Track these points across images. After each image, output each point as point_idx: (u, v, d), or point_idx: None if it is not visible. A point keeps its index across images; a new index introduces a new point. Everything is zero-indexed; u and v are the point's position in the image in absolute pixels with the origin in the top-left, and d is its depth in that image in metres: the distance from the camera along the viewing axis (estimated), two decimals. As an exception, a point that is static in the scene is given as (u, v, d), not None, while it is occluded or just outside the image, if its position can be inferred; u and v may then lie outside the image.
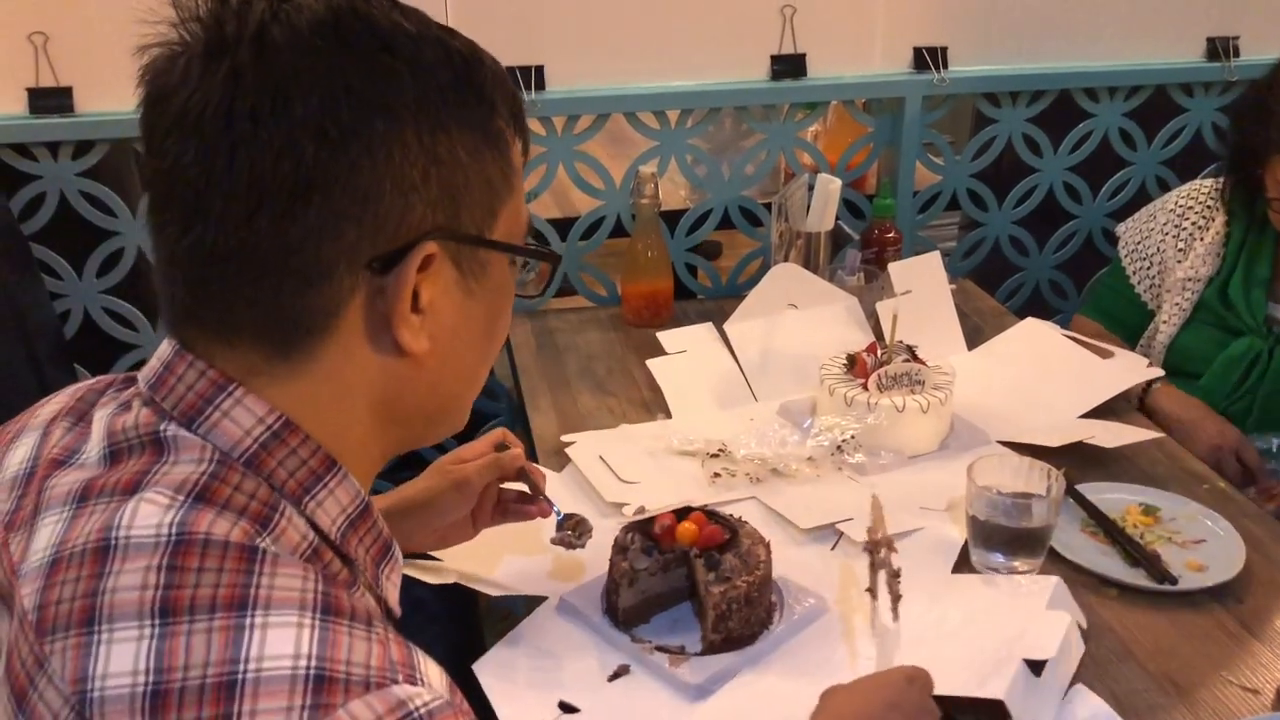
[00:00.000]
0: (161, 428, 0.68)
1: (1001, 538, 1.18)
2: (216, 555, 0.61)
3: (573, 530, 1.15)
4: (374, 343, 0.70)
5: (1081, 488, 1.33)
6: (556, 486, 1.36)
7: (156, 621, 0.59)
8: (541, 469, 1.20)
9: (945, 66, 1.94)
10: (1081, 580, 1.20)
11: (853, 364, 1.50)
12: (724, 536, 1.11)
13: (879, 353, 1.50)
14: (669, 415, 1.54)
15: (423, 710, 0.60)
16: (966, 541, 1.22)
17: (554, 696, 1.03)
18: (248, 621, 0.59)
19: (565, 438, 1.47)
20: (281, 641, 0.59)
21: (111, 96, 1.70)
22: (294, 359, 0.69)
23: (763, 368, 1.63)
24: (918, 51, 1.93)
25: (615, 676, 1.06)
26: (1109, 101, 2.05)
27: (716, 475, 1.38)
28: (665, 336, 1.67)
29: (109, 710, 0.57)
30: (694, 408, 1.56)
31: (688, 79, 1.87)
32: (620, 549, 1.12)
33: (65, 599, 0.61)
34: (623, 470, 1.39)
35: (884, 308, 1.64)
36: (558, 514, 1.16)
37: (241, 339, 0.68)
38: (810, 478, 1.39)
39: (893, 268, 1.69)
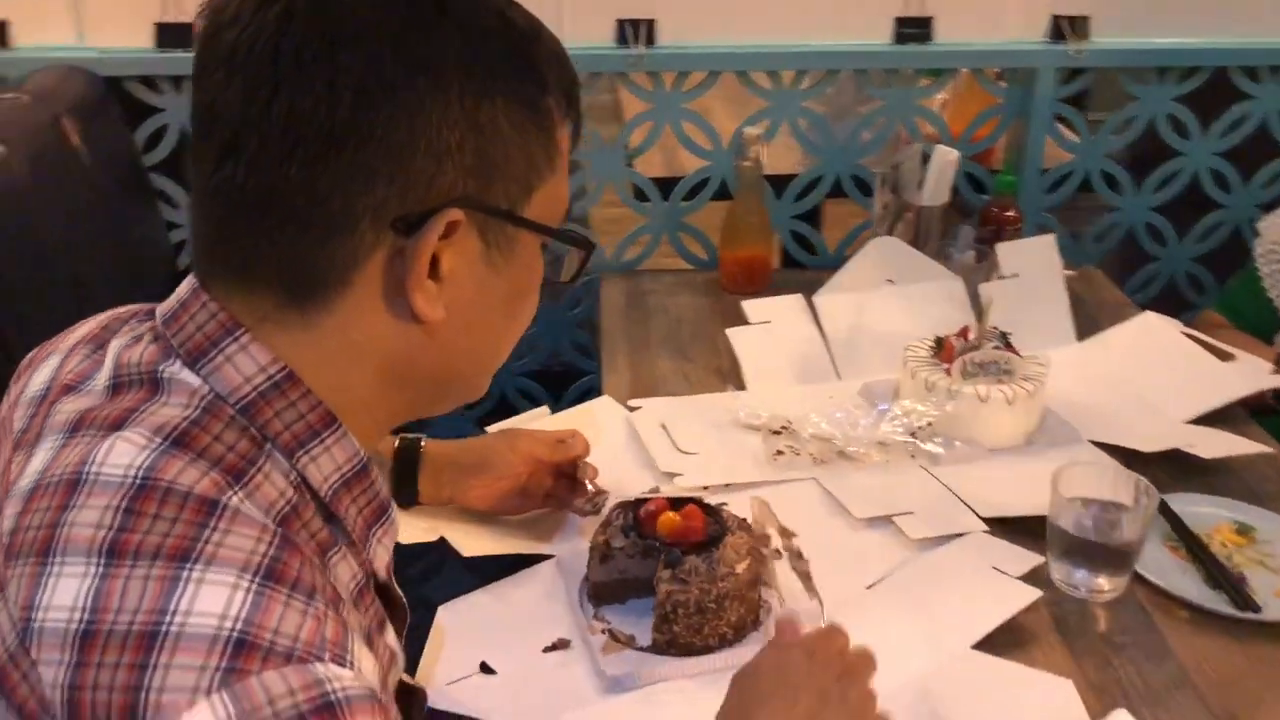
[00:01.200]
0: (161, 366, 0.68)
1: (1086, 553, 1.10)
2: (175, 504, 0.61)
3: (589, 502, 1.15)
4: (389, 304, 0.69)
5: (1172, 498, 1.23)
6: (614, 449, 1.35)
7: (102, 561, 0.59)
8: (595, 467, 1.19)
9: (1085, 37, 1.80)
10: (1153, 598, 1.11)
11: (940, 347, 1.42)
12: (701, 536, 1.05)
13: (970, 337, 1.42)
14: (743, 387, 1.50)
15: (340, 694, 0.59)
16: (1046, 554, 1.14)
17: (488, 654, 1.04)
18: (185, 574, 0.59)
19: (632, 402, 1.45)
20: (213, 599, 0.58)
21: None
22: (308, 310, 0.68)
23: (850, 344, 1.56)
24: (1056, 19, 1.81)
25: (551, 648, 1.04)
26: (1272, 82, 1.88)
27: (779, 453, 1.34)
28: (750, 305, 1.62)
29: (44, 642, 0.57)
30: (770, 381, 1.51)
31: (805, 38, 1.80)
32: (605, 523, 1.09)
33: (33, 526, 0.62)
34: (682, 440, 1.35)
35: (986, 290, 1.55)
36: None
37: (259, 283, 0.68)
38: (879, 464, 1.32)
39: (1001, 248, 1.60)
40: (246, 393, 0.68)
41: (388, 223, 0.66)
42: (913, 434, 1.35)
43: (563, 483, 1.20)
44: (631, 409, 1.43)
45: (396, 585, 0.87)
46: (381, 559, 0.77)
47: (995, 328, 1.43)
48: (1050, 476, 1.12)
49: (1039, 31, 1.82)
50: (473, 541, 1.17)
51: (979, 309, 1.54)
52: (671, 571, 1.03)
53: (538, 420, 1.42)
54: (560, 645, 1.05)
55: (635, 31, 1.74)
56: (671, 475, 1.29)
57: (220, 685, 0.56)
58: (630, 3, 1.75)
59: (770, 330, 1.59)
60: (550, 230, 0.75)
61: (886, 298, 1.61)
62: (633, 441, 1.37)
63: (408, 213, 0.66)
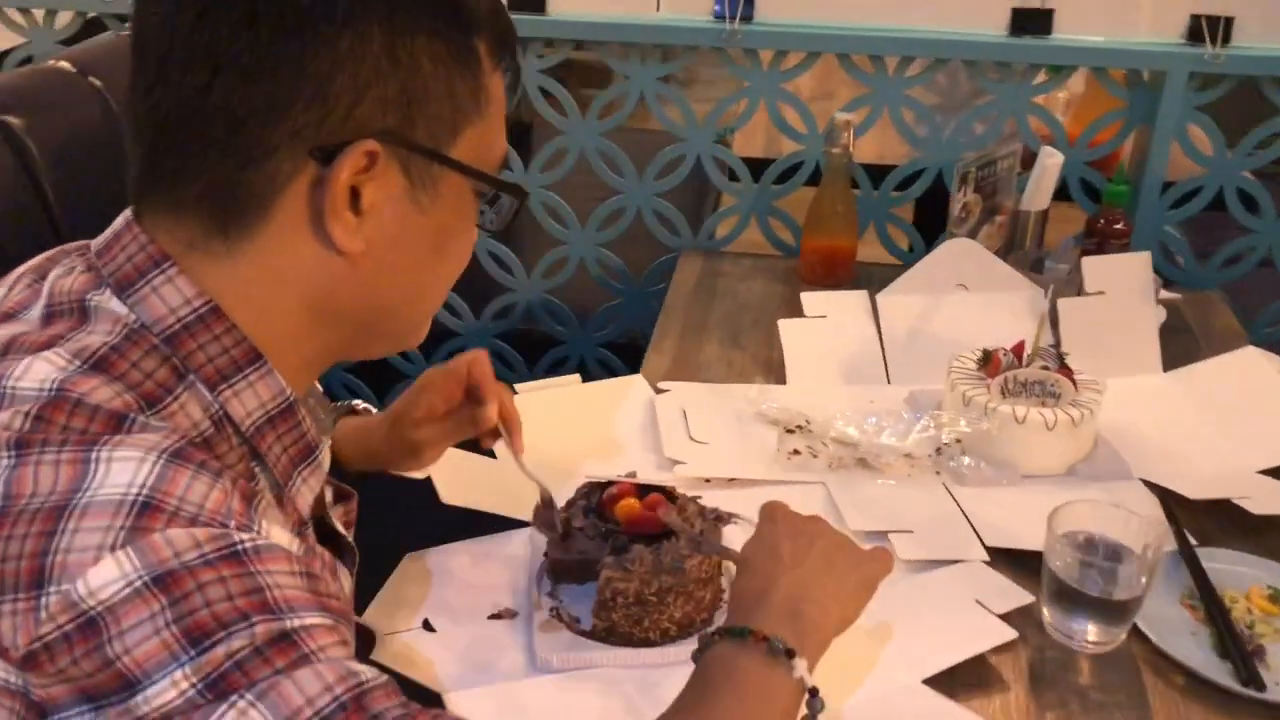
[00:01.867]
0: (89, 296, 0.71)
1: (1077, 599, 1.01)
2: (84, 415, 0.64)
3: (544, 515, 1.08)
4: (312, 233, 0.71)
5: (1208, 553, 1.12)
6: (627, 429, 1.32)
7: (13, 455, 0.62)
8: (517, 417, 1.12)
9: (1226, 40, 1.65)
10: (1150, 658, 1.02)
11: (986, 360, 1.33)
12: (657, 528, 1.02)
13: (1024, 354, 1.32)
14: (783, 380, 1.45)
15: (247, 544, 0.62)
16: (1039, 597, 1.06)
17: (435, 611, 1.04)
18: (94, 455, 0.62)
19: (661, 384, 1.42)
20: (121, 473, 0.61)
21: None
22: (232, 237, 0.70)
23: (907, 349, 1.48)
24: (1195, 19, 1.65)
25: (496, 616, 1.04)
26: None
27: (795, 453, 1.28)
28: (809, 297, 1.56)
29: None
30: (813, 377, 1.45)
31: (912, 22, 1.71)
32: (570, 502, 1.07)
33: None
34: (698, 428, 1.32)
35: (1064, 305, 1.45)
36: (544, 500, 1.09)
37: (186, 211, 0.71)
38: (899, 476, 1.26)
39: (1088, 263, 1.48)
40: (170, 324, 0.70)
41: (306, 151, 0.68)
42: (938, 449, 1.27)
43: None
44: (659, 391, 1.41)
45: (340, 527, 0.88)
46: (305, 499, 0.78)
47: (1053, 346, 1.33)
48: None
49: (1174, 31, 1.67)
50: (456, 491, 1.18)
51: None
52: (616, 558, 1.00)
53: (567, 387, 1.42)
54: (506, 615, 1.05)
55: (733, 6, 1.69)
56: (674, 462, 1.26)
57: (125, 542, 0.59)
58: (731, -24, 1.70)
59: (825, 325, 1.53)
60: (477, 173, 0.76)
61: (956, 304, 1.52)
62: (649, 424, 1.34)
63: (325, 143, 0.68)
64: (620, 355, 1.98)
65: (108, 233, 0.74)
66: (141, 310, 0.70)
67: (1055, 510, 1.04)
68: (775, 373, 1.47)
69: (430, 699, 0.95)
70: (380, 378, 2.02)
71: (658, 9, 1.73)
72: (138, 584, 0.58)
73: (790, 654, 0.78)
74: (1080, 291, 1.46)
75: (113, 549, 0.59)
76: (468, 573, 1.11)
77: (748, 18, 1.71)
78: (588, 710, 0.94)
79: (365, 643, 0.97)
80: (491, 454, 1.19)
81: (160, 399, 0.68)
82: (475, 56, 0.73)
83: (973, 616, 1.04)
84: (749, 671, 0.77)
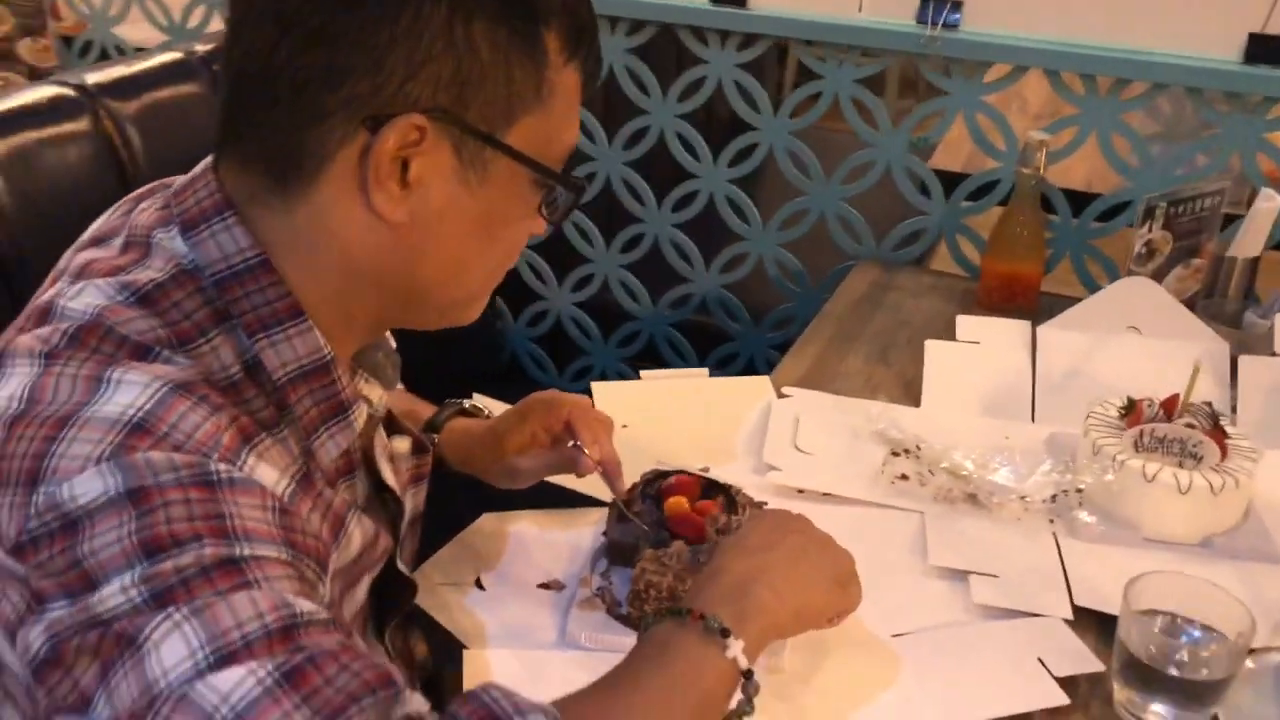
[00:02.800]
0: (155, 232, 0.78)
1: (1145, 675, 0.92)
2: (113, 342, 0.70)
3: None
4: (361, 200, 0.75)
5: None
6: (736, 429, 1.31)
7: (40, 363, 0.69)
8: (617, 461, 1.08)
9: None
10: (1222, 757, 0.92)
11: (1130, 409, 1.23)
12: (699, 532, 1.00)
13: (1175, 409, 1.21)
14: (918, 403, 1.39)
15: (223, 474, 0.67)
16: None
17: (490, 571, 1.08)
18: (107, 375, 0.68)
19: (785, 389, 1.39)
20: (125, 394, 0.67)
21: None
22: (288, 194, 0.75)
23: (1060, 387, 1.39)
24: None
25: (544, 586, 1.05)
26: None
27: (904, 478, 1.23)
28: (964, 321, 1.48)
29: None
30: (950, 405, 1.38)
31: (1133, 42, 1.58)
32: (635, 485, 1.07)
33: (7, 340, 0.74)
34: (805, 437, 1.28)
35: (1245, 363, 1.31)
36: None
37: (250, 164, 0.76)
38: (1004, 518, 1.18)
39: (1281, 319, 1.34)
40: (222, 269, 0.75)
41: (359, 119, 0.72)
42: (1054, 496, 1.18)
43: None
44: (781, 395, 1.38)
45: (391, 479, 0.92)
46: (329, 453, 0.81)
47: (1208, 404, 1.21)
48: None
49: None
50: None
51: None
52: (655, 551, 1.00)
53: (695, 378, 1.42)
54: (554, 586, 1.06)
55: (937, 13, 1.63)
56: (770, 468, 1.23)
57: (110, 456, 0.65)
58: (939, -19, 1.64)
59: (976, 351, 1.46)
60: (529, 161, 0.77)
61: (1123, 346, 1.40)
62: (761, 426, 1.32)
63: (377, 112, 0.71)
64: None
65: (189, 175, 0.80)
66: (198, 252, 0.75)
67: (1136, 578, 0.95)
68: (914, 394, 1.41)
69: (454, 648, 0.98)
70: (558, 351, 2.09)
71: (859, 9, 1.69)
72: (114, 494, 0.64)
73: (725, 633, 0.76)
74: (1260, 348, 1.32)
75: (98, 461, 0.64)
76: (532, 541, 1.13)
77: (952, 25, 1.64)
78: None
79: (411, 595, 1.00)
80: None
81: (192, 339, 0.73)
82: (540, 46, 0.75)
83: (1028, 673, 0.97)
84: (681, 649, 0.76)
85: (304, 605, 0.66)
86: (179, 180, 0.81)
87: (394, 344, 0.95)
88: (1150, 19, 1.56)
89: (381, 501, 0.92)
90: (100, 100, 1.29)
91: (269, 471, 0.72)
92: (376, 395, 0.87)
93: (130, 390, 0.67)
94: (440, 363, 1.19)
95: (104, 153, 1.28)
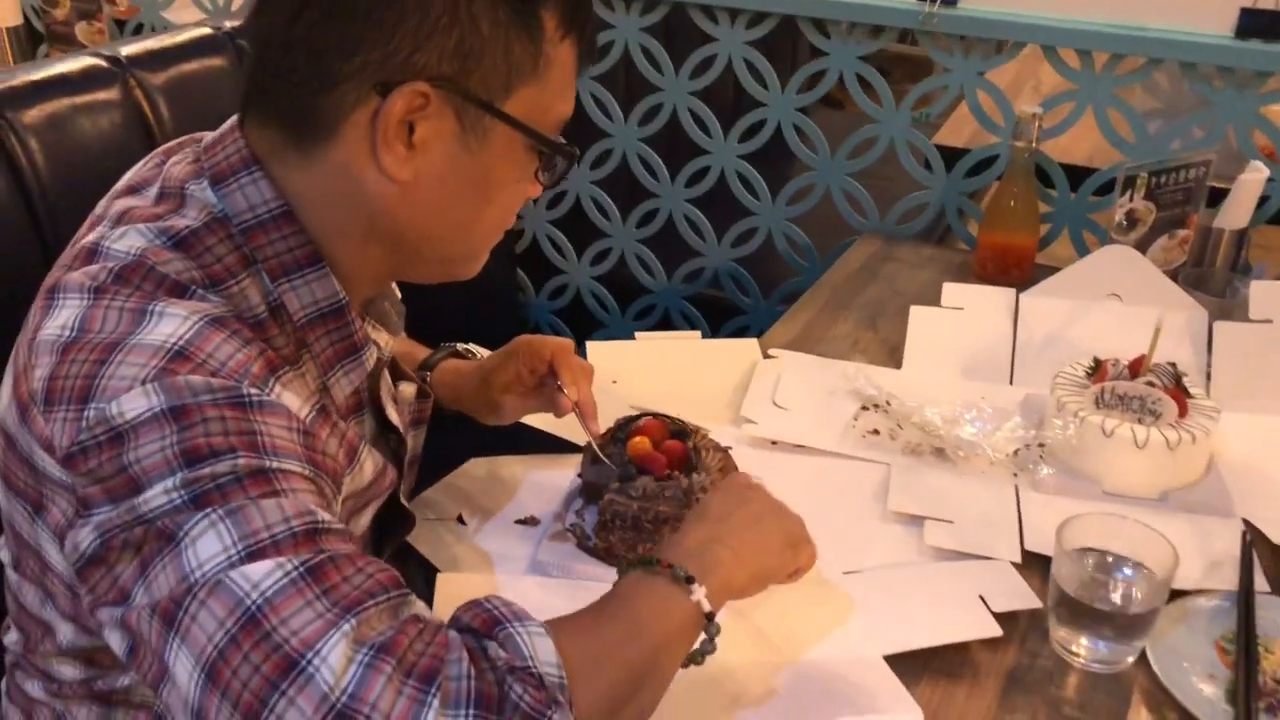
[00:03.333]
0: (188, 184, 0.86)
1: (1074, 610, 0.97)
2: (154, 281, 0.78)
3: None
4: (371, 159, 0.82)
5: (1274, 601, 1.03)
6: (718, 386, 1.37)
7: (89, 298, 0.77)
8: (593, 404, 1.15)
9: None
10: (1148, 688, 0.96)
11: (1096, 369, 1.27)
12: (661, 471, 1.06)
13: (1140, 369, 1.25)
14: (900, 365, 1.44)
15: (254, 397, 0.75)
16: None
17: (472, 508, 1.15)
18: (150, 307, 0.76)
19: (771, 350, 1.45)
20: (167, 325, 0.75)
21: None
22: (305, 152, 0.83)
23: (1039, 352, 1.43)
24: None
25: (521, 522, 1.13)
26: None
27: (875, 432, 1.28)
28: (950, 289, 1.53)
29: (39, 350, 0.76)
30: (930, 366, 1.43)
31: (1127, 17, 1.61)
32: (610, 429, 1.13)
33: (54, 276, 0.82)
34: (784, 394, 1.34)
35: (1220, 329, 1.35)
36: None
37: (271, 122, 0.84)
38: (969, 471, 1.23)
39: (1256, 287, 1.36)
40: (248, 219, 0.83)
41: (370, 85, 0.79)
42: (1016, 451, 1.23)
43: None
44: (766, 356, 1.44)
45: (395, 418, 1.00)
46: (342, 389, 0.89)
47: (1171, 364, 1.25)
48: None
49: None
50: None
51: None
52: (620, 484, 1.07)
53: (687, 340, 1.48)
54: (530, 522, 1.14)
55: (936, -11, 1.67)
56: (746, 420, 1.29)
57: (154, 378, 0.72)
58: (937, -41, 1.68)
59: (959, 317, 1.50)
60: (525, 128, 0.84)
61: (1103, 313, 1.44)
62: (743, 384, 1.38)
63: (386, 80, 0.79)
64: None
65: (217, 132, 0.88)
66: (227, 203, 0.83)
67: (1070, 519, 1.00)
68: (898, 358, 1.46)
69: (429, 572, 1.06)
70: (577, 323, 2.16)
71: (862, -13, 1.74)
72: (157, 410, 0.71)
73: (690, 580, 0.82)
74: (1239, 315, 1.35)
75: (143, 382, 0.72)
76: (515, 482, 1.21)
77: (951, 2, 1.68)
78: (558, 611, 1.02)
79: (409, 527, 1.08)
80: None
81: (224, 280, 0.81)
82: (538, 24, 0.81)
83: (968, 609, 1.02)
84: (650, 592, 0.82)
85: (323, 514, 0.73)
86: (208, 136, 0.88)
87: (399, 293, 1.02)
88: (1143, -7, 1.59)
89: (386, 440, 1.00)
90: (131, 71, 1.39)
91: (292, 399, 0.79)
92: (384, 340, 0.95)
93: (171, 321, 0.75)
94: (465, 333, 1.27)
95: (134, 120, 1.37)
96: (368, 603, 0.69)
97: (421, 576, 1.07)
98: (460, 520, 1.15)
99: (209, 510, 0.69)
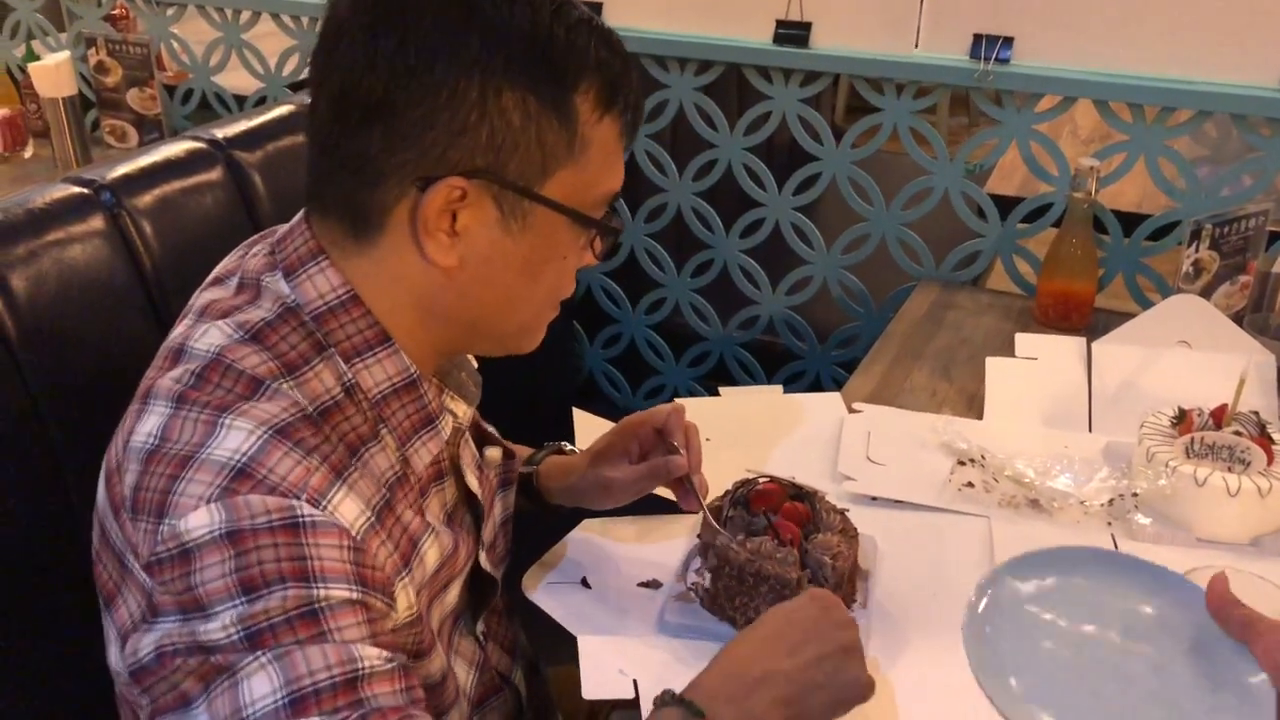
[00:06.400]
0: (263, 276, 0.90)
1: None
2: (231, 378, 0.83)
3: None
4: (417, 247, 0.86)
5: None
6: (808, 442, 1.41)
7: (173, 406, 0.82)
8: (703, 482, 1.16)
9: None
10: None
11: (1180, 419, 1.32)
12: (787, 537, 1.09)
13: (1224, 418, 1.30)
14: (981, 416, 1.48)
15: (306, 519, 0.78)
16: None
17: (595, 572, 1.19)
18: (221, 420, 0.80)
19: (856, 405, 1.49)
20: (234, 440, 0.79)
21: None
22: (361, 241, 0.88)
23: (1115, 400, 1.48)
24: None
25: (644, 585, 1.16)
26: None
27: (969, 485, 1.33)
28: (1022, 339, 1.58)
29: (129, 456, 0.81)
30: (1012, 417, 1.47)
31: (1176, 72, 1.67)
32: (726, 492, 1.17)
33: (147, 382, 0.87)
34: (877, 449, 1.39)
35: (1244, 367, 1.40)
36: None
37: (331, 214, 0.89)
38: (1065, 521, 1.27)
39: (1323, 331, 1.42)
40: (318, 306, 0.88)
41: (411, 181, 0.84)
42: (1110, 501, 1.28)
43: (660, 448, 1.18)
44: (852, 410, 1.48)
45: (475, 485, 1.03)
46: (421, 459, 0.93)
47: (1254, 414, 1.30)
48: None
49: None
50: None
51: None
52: (744, 535, 1.10)
53: (768, 394, 1.53)
54: (652, 585, 1.17)
55: (990, 47, 1.73)
56: (845, 478, 1.34)
57: (218, 498, 0.77)
58: (991, 18, 1.74)
59: (1034, 367, 1.55)
60: (568, 210, 0.88)
61: (1174, 360, 1.49)
62: (834, 439, 1.42)
63: (425, 175, 0.83)
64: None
65: (288, 225, 0.93)
66: (299, 293, 0.88)
67: (1188, 571, 1.04)
68: (977, 408, 1.51)
69: (558, 639, 1.10)
70: (632, 371, 2.21)
71: (915, 45, 1.79)
72: (218, 533, 0.76)
73: None
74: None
75: (209, 501, 0.76)
76: (634, 543, 1.25)
77: (1004, 60, 1.74)
78: (692, 669, 1.05)
79: (494, 591, 1.10)
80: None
81: (299, 367, 0.85)
82: (570, 109, 0.84)
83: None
84: None
85: (369, 657, 0.77)
86: (280, 230, 0.93)
87: (475, 364, 1.06)
88: (1193, 50, 1.65)
89: (470, 506, 1.04)
90: (229, 151, 1.43)
91: (351, 506, 0.82)
92: (461, 409, 0.98)
93: (238, 435, 0.79)
94: (523, 383, 1.30)
95: (234, 198, 1.42)
96: None
97: (550, 639, 1.11)
98: (584, 584, 1.18)
99: (260, 653, 0.75)
